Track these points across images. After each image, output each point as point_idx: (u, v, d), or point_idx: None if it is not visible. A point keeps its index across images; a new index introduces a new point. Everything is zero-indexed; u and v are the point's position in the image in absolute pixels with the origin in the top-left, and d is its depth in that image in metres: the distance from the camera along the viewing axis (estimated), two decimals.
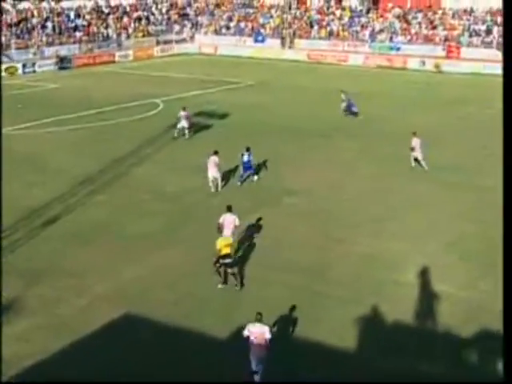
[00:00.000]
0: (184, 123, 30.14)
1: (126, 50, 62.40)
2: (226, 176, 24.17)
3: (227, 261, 15.55)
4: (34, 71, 53.59)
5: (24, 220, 20.14)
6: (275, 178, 24.55)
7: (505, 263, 9.38)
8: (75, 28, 61.90)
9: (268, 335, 12.07)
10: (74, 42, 59.54)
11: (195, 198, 22.42)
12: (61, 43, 58.51)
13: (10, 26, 57.64)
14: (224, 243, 15.59)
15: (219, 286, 15.79)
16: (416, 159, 25.65)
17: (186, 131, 30.32)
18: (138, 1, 72.70)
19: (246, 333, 12.17)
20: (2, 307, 14.49)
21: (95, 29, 62.99)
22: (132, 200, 22.21)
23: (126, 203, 21.83)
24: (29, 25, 59.50)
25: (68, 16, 63.48)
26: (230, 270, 15.73)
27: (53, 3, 63.64)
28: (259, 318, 12.21)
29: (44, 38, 58.09)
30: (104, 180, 24.33)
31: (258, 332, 12.05)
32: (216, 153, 23.17)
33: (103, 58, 59.33)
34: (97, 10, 67.01)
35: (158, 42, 66.61)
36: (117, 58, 60.58)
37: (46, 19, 61.20)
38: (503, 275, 9.27)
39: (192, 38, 69.91)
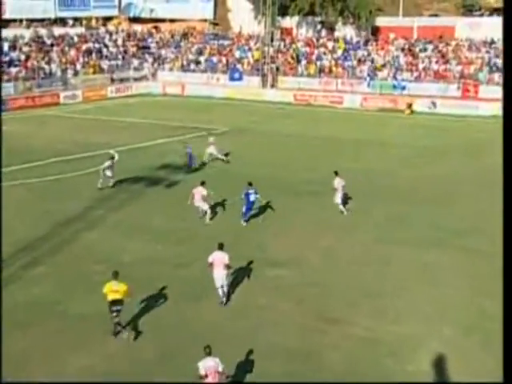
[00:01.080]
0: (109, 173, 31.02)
1: (74, 90, 63.66)
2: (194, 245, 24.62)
3: (116, 308, 17.91)
4: None
5: None
6: (255, 243, 25.07)
7: (505, 264, 10.95)
8: (10, 62, 63.10)
9: (220, 368, 14.46)
10: (9, 80, 60.63)
11: (158, 269, 22.82)
12: None
13: None
14: (112, 288, 17.85)
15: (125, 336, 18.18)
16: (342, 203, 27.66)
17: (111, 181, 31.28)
18: (87, 30, 74.48)
19: (201, 371, 14.39)
20: None
21: (35, 63, 64.23)
22: (81, 272, 22.45)
23: (73, 276, 22.10)
24: None
25: (1, 48, 64.78)
26: (117, 319, 18.01)
27: None
28: (208, 352, 14.57)
29: None
30: (46, 247, 24.62)
31: (212, 365, 14.36)
32: (203, 183, 27.13)
33: (45, 100, 60.46)
34: (37, 40, 68.45)
35: (112, 80, 68.14)
36: (62, 100, 61.78)
37: None
38: (503, 280, 11.04)
39: (154, 75, 71.58)
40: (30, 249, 24.54)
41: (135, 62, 71.73)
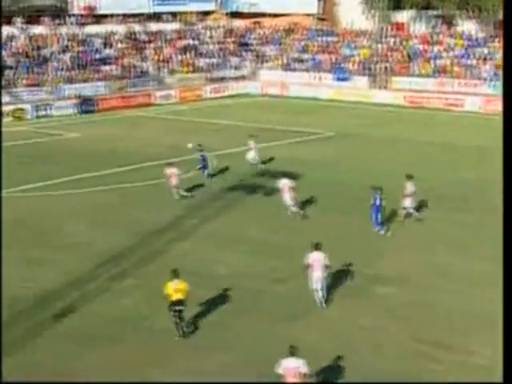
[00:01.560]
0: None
1: (168, 90, 64.94)
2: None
3: (180, 307, 18.91)
4: (49, 115, 56.42)
5: (26, 311, 20.97)
6: (362, 258, 24.91)
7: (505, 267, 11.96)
8: (103, 60, 65.03)
9: (304, 370, 14.73)
10: (101, 79, 62.50)
11: (253, 283, 22.99)
12: (84, 80, 61.55)
13: (18, 55, 61.15)
14: (174, 287, 18.85)
15: (176, 338, 18.96)
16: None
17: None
18: (183, 26, 75.88)
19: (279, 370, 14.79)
20: None
21: (129, 61, 65.93)
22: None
23: (163, 289, 22.49)
24: (43, 55, 62.96)
25: (93, 44, 66.86)
26: (178, 320, 19.02)
27: (74, 28, 67.39)
28: (292, 352, 14.91)
29: (62, 73, 61.26)
30: (134, 259, 25.17)
31: (293, 366, 14.71)
32: (286, 176, 28.64)
33: (138, 100, 61.94)
34: (131, 37, 70.29)
35: (209, 80, 68.97)
36: (156, 100, 63.03)
37: (65, 48, 64.63)
38: (503, 280, 12.17)
39: (253, 74, 72.08)
40: (119, 259, 25.11)
41: (234, 60, 72.55)
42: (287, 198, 29.44)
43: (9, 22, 64.42)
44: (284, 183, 29.59)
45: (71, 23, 68.27)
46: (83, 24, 68.88)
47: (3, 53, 60.49)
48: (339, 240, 26.53)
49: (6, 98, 56.21)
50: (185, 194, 32.73)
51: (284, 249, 25.88)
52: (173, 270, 19.44)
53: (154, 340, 19.25)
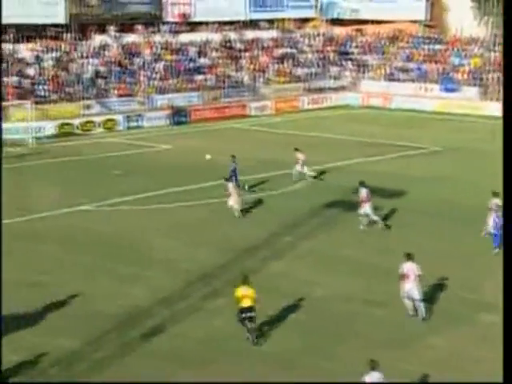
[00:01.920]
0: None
1: (264, 101, 65.31)
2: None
3: (250, 314, 20.01)
4: (140, 126, 57.61)
5: (114, 330, 21.33)
6: (469, 283, 24.45)
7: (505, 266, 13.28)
8: (197, 70, 66.01)
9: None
10: (194, 89, 63.45)
11: (352, 306, 22.86)
12: (176, 90, 62.63)
13: (110, 64, 62.65)
14: (243, 293, 20.05)
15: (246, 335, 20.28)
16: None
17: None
18: (281, 33, 76.26)
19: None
20: None
21: (223, 70, 66.70)
22: (265, 306, 22.84)
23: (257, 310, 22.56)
24: (135, 64, 64.38)
25: (187, 53, 67.98)
26: (249, 325, 20.06)
27: (168, 36, 68.67)
28: (373, 367, 15.66)
29: (154, 83, 62.50)
30: (226, 277, 25.31)
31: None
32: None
33: (232, 111, 62.54)
34: (226, 45, 71.13)
35: (307, 90, 69.06)
36: (250, 111, 63.53)
37: (158, 57, 65.94)
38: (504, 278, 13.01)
39: (354, 84, 71.78)
40: (210, 277, 25.37)
41: (333, 70, 72.44)
42: (367, 207, 30.43)
43: (102, 31, 66.20)
44: (363, 192, 30.62)
45: (165, 31, 69.58)
46: (177, 32, 70.13)
47: (96, 61, 62.18)
48: (444, 262, 26.07)
49: (97, 108, 57.80)
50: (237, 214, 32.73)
51: (383, 270, 25.54)
52: (244, 276, 20.74)
53: (246, 363, 19.26)
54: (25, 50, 60.75)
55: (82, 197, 35.78)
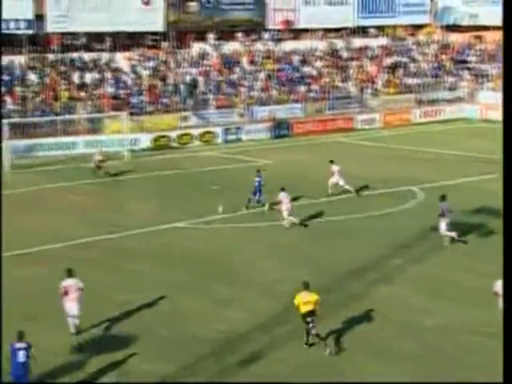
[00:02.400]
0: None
1: (372, 113, 64.95)
2: None
3: (311, 318, 21.12)
4: (239, 139, 58.14)
5: (210, 355, 21.48)
6: None
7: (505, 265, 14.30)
8: (300, 80, 66.19)
9: None
10: (297, 100, 63.63)
11: (465, 337, 22.58)
12: (278, 101, 62.97)
13: (209, 74, 63.47)
14: (303, 299, 21.24)
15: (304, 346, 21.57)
16: None
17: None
18: (392, 41, 75.75)
19: None
20: None
21: (328, 81, 66.68)
22: (368, 335, 22.74)
23: (359, 339, 22.43)
24: (235, 74, 65.03)
25: (290, 62, 68.25)
26: (313, 331, 21.21)
27: (271, 44, 69.10)
28: None
29: (255, 94, 63.01)
30: (329, 301, 25.10)
31: None
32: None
33: (337, 124, 62.49)
34: (332, 53, 71.11)
35: (419, 102, 68.32)
36: (357, 124, 63.31)
37: (260, 67, 66.40)
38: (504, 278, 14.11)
39: (472, 96, 70.63)
40: None
41: (449, 80, 71.50)
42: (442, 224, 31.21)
43: (201, 39, 67.14)
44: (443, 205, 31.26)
45: (267, 39, 70.07)
46: (280, 40, 70.52)
47: (194, 71, 63.09)
48: None
49: (194, 120, 58.67)
50: (295, 220, 34.14)
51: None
52: (304, 282, 21.84)
53: None
54: (121, 59, 62.20)
55: (177, 213, 36.27)
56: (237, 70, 65.49)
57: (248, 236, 33.51)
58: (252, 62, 66.74)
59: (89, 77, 58.61)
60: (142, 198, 39.56)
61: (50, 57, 59.08)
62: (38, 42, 59.94)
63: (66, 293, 22.20)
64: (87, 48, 61.94)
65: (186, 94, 60.17)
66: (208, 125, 58.84)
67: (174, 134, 55.81)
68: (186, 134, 56.18)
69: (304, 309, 21.33)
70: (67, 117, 53.51)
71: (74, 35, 61.91)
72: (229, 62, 66.11)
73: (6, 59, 56.35)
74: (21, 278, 26.95)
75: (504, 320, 15.62)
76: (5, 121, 48.19)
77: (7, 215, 35.58)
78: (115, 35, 62.56)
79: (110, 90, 57.96)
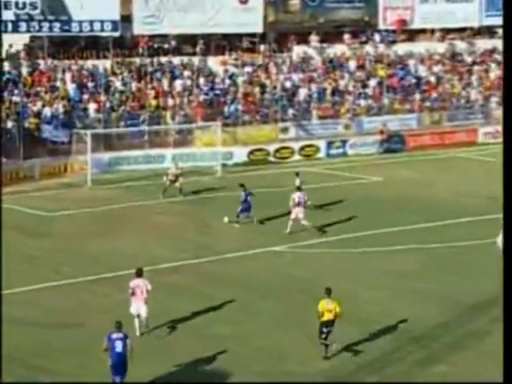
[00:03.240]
0: None
1: (497, 125, 63.43)
2: None
3: (329, 329, 22.83)
4: (344, 154, 57.72)
5: None
6: None
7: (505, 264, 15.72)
8: (415, 87, 65.30)
9: None
10: (411, 110, 62.85)
11: None
12: (390, 111, 62.36)
13: (312, 80, 63.18)
14: (326, 307, 22.86)
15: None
16: None
17: None
18: None
19: None
20: None
21: (448, 88, 65.62)
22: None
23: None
24: (342, 80, 64.46)
25: (404, 67, 67.42)
26: (326, 341, 22.81)
27: (383, 47, 68.37)
28: None
29: (363, 102, 62.46)
30: (447, 339, 24.90)
31: None
32: None
33: (458, 137, 61.50)
34: (453, 57, 69.97)
35: None
36: (480, 138, 62.10)
37: (369, 72, 65.74)
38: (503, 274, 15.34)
39: None
40: (427, 338, 24.90)
41: None
42: None
43: (303, 41, 66.86)
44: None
45: (378, 41, 69.32)
46: (393, 42, 69.60)
47: (295, 77, 62.91)
48: None
49: (294, 132, 58.43)
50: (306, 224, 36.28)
51: None
52: (327, 288, 23.27)
53: None
54: (214, 64, 62.45)
55: (272, 235, 36.18)
56: (343, 75, 64.99)
57: (355, 262, 33.13)
58: (361, 67, 66.14)
59: (179, 83, 58.93)
60: (233, 219, 39.46)
61: (137, 61, 59.66)
62: (124, 45, 60.72)
63: (133, 293, 24.47)
64: (177, 51, 62.33)
65: (285, 103, 60.01)
66: (310, 137, 58.60)
67: (271, 148, 55.77)
68: (284, 148, 56.08)
69: (326, 317, 22.91)
70: (154, 127, 54.02)
71: (164, 37, 62.48)
72: (334, 67, 65.70)
73: (89, 64, 57.51)
74: (97, 305, 27.15)
75: (504, 320, 16.94)
76: (88, 131, 49.01)
77: (86, 235, 36.17)
78: (208, 37, 62.90)
79: (201, 97, 58.18)
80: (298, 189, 38.02)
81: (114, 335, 20.37)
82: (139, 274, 24.73)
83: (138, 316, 24.47)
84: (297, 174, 41.64)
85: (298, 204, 36.66)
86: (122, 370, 20.18)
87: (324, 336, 22.89)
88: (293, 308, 27.20)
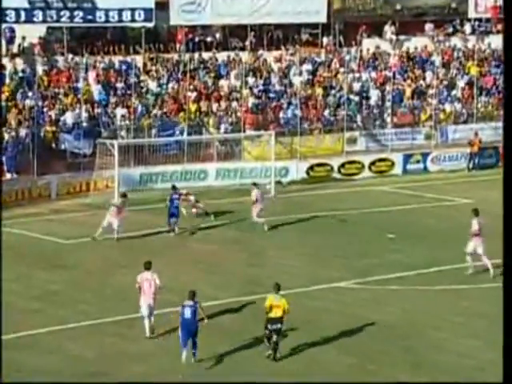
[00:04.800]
0: None
1: None
2: None
3: (277, 326, 26.19)
4: (425, 170, 57.89)
5: None
6: None
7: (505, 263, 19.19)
8: None
9: None
10: None
11: None
12: (482, 117, 62.47)
13: (386, 81, 62.97)
14: (274, 302, 26.28)
15: (266, 353, 26.49)
16: None
17: None
18: None
19: None
20: None
21: None
22: None
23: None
24: (423, 80, 64.28)
25: (500, 63, 66.83)
26: (274, 338, 26.23)
27: (474, 39, 67.76)
28: None
29: (449, 107, 62.41)
30: None
31: None
32: None
33: None
34: None
35: None
36: None
37: (458, 70, 65.46)
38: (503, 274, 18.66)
39: None
40: None
41: None
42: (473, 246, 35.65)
43: (376, 33, 66.70)
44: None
45: (468, 32, 68.97)
46: (487, 33, 69.10)
47: (366, 76, 62.73)
48: None
49: (363, 143, 58.41)
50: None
51: None
52: (276, 283, 26.92)
53: None
54: (267, 61, 62.38)
55: (337, 269, 36.29)
56: (425, 74, 64.84)
57: (439, 302, 33.12)
58: (446, 64, 65.90)
59: (224, 83, 59.16)
60: (289, 248, 39.59)
61: (174, 57, 60.11)
62: (159, 38, 61.18)
63: (140, 288, 28.20)
64: (223, 46, 62.72)
65: (353, 108, 59.95)
66: (383, 150, 58.88)
67: (335, 162, 55.96)
68: (351, 162, 56.27)
69: (273, 313, 26.23)
70: (194, 137, 54.27)
71: (207, 29, 62.88)
72: (413, 65, 65.58)
73: (116, 60, 58.06)
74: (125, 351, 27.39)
75: (504, 320, 19.63)
76: (115, 142, 49.19)
77: (111, 266, 36.42)
78: (260, 29, 63.07)
79: (251, 101, 58.29)
80: None
81: (186, 302, 26.18)
82: (147, 267, 28.33)
83: (146, 315, 27.89)
84: None
85: None
86: (191, 336, 25.83)
87: (273, 333, 26.20)
88: (366, 359, 27.09)
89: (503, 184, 20.09)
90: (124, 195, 42.10)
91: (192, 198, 43.68)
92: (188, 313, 25.70)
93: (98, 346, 27.82)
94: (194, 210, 43.80)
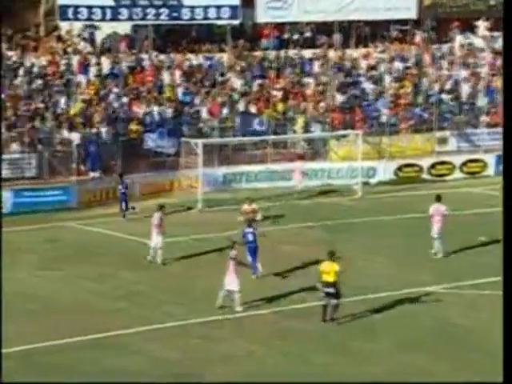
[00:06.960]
0: None
1: None
2: None
3: (329, 290, 29.20)
4: None
5: None
6: None
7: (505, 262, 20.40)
8: None
9: None
10: None
11: None
12: None
13: (479, 78, 62.50)
14: (325, 269, 29.37)
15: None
16: None
17: None
18: None
19: None
20: None
21: None
22: None
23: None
24: None
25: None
26: (332, 302, 29.21)
27: None
28: None
29: None
30: None
31: None
32: None
33: None
34: None
35: None
36: None
37: None
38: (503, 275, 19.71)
39: None
40: None
41: None
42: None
43: (470, 28, 66.24)
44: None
45: None
46: None
47: (459, 74, 62.24)
48: None
49: (455, 144, 58.14)
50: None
51: None
52: (329, 251, 29.81)
53: None
54: (355, 58, 62.30)
55: (427, 273, 36.33)
56: None
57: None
58: None
59: (311, 82, 59.24)
60: (377, 251, 39.69)
61: (261, 55, 60.37)
62: (245, 35, 61.39)
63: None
64: (310, 43, 62.78)
65: (444, 107, 59.62)
66: (475, 150, 58.71)
67: (426, 163, 55.93)
68: (442, 163, 56.12)
69: (325, 278, 29.33)
70: (280, 137, 54.61)
71: (293, 26, 63.00)
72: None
73: (202, 58, 58.50)
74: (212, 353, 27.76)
75: (504, 320, 20.66)
76: (199, 141, 49.65)
77: (196, 267, 36.61)
78: (348, 25, 62.99)
79: (338, 99, 58.37)
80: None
81: (247, 229, 35.26)
82: (232, 246, 32.20)
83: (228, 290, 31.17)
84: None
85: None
86: (254, 254, 34.94)
87: (324, 296, 29.51)
88: (458, 366, 26.87)
89: (503, 187, 21.89)
90: (161, 207, 39.31)
91: (259, 216, 40.28)
92: (251, 237, 35.01)
93: (183, 347, 28.13)
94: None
